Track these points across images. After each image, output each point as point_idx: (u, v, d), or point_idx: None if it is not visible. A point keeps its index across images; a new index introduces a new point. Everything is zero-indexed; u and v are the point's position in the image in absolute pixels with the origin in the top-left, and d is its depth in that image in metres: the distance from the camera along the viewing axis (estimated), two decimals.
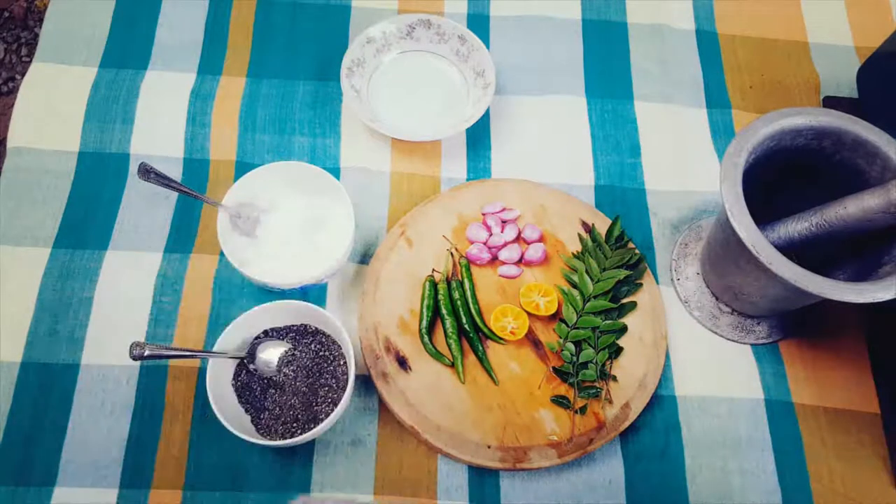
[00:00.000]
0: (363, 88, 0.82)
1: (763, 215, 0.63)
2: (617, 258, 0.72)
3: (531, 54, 0.87)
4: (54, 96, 0.80)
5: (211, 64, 0.84)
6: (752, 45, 0.90)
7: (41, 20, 0.87)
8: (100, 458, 0.65)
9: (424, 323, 0.69)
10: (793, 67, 0.89)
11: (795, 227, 0.64)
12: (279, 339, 0.67)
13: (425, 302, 0.70)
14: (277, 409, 0.65)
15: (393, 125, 0.80)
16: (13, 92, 1.57)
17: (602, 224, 0.75)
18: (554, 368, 0.68)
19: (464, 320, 0.69)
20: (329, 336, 0.68)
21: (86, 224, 0.74)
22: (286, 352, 0.67)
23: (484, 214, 0.75)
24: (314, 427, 0.61)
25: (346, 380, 0.64)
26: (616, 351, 0.69)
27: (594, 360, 0.68)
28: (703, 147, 0.83)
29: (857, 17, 0.93)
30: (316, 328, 0.68)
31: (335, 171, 0.77)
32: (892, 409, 0.70)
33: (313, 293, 0.72)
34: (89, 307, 0.70)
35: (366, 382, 0.69)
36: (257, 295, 0.72)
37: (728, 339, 0.73)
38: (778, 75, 0.88)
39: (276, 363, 0.66)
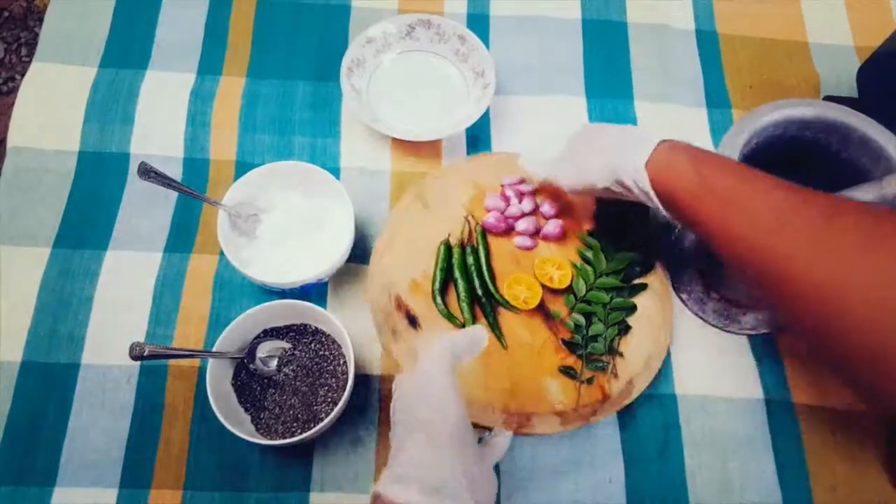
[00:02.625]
0: (363, 88, 0.82)
1: None
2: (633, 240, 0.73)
3: (531, 54, 0.87)
4: (54, 96, 0.80)
5: (211, 64, 0.84)
6: (752, 44, 0.90)
7: (41, 20, 0.87)
8: (100, 458, 0.65)
9: (437, 284, 0.70)
10: (793, 67, 0.89)
11: None
12: (279, 338, 0.67)
13: (439, 265, 0.70)
14: (277, 408, 0.65)
15: (393, 125, 0.80)
16: (13, 92, 1.57)
17: None
18: (563, 340, 0.69)
19: (476, 285, 0.70)
20: (329, 335, 0.68)
21: (86, 224, 0.74)
22: (286, 351, 0.67)
23: (502, 185, 0.76)
24: (314, 426, 0.61)
25: (346, 379, 0.64)
26: (625, 328, 0.70)
27: (603, 335, 0.69)
28: (703, 147, 0.83)
29: (857, 16, 0.93)
30: (316, 328, 0.68)
31: (335, 171, 0.77)
32: None
33: (313, 292, 0.72)
34: (89, 307, 0.70)
35: (366, 381, 0.69)
36: (257, 294, 0.72)
37: (712, 325, 0.73)
38: (778, 75, 0.88)
39: (275, 363, 0.66)
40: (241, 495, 0.64)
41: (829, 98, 0.86)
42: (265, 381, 0.66)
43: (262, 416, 0.65)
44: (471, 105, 0.81)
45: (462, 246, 0.72)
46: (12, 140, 0.78)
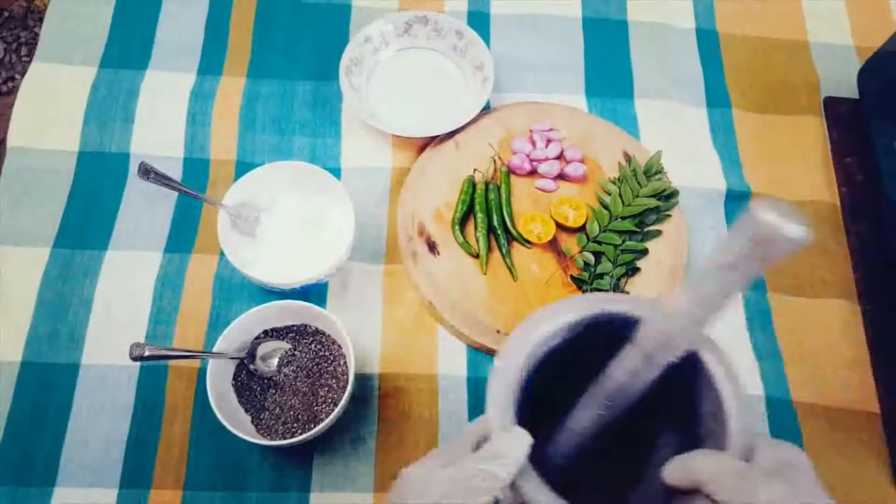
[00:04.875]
0: (362, 87, 0.82)
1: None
2: (651, 188, 0.75)
3: (531, 53, 0.87)
4: (54, 96, 0.80)
5: (211, 64, 0.84)
6: (753, 44, 0.90)
7: (41, 20, 0.87)
8: (100, 458, 0.65)
9: (458, 215, 0.74)
10: (793, 67, 0.89)
11: (584, 416, 0.50)
12: (279, 339, 0.67)
13: (461, 197, 0.74)
14: (277, 409, 0.65)
15: (393, 122, 0.80)
16: (13, 92, 1.57)
17: (644, 158, 0.78)
18: (572, 276, 0.72)
19: (494, 219, 0.74)
20: (329, 336, 0.68)
21: (86, 224, 0.74)
22: (286, 352, 0.67)
23: (531, 130, 0.79)
24: (314, 427, 0.61)
25: (347, 380, 0.64)
26: (633, 270, 0.72)
27: (610, 274, 0.71)
28: (703, 145, 0.83)
29: (858, 16, 0.93)
30: (316, 328, 0.68)
31: (336, 171, 0.77)
32: (892, 408, 0.70)
33: (314, 293, 0.72)
34: (89, 307, 0.70)
35: (366, 382, 0.69)
36: (257, 295, 0.72)
37: None
38: (778, 75, 0.88)
39: (276, 363, 0.66)
40: (240, 495, 0.64)
41: (829, 99, 0.86)
42: (265, 381, 0.66)
43: (262, 417, 0.65)
44: (470, 99, 0.81)
45: (486, 183, 0.76)
46: (12, 140, 0.78)
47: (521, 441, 0.42)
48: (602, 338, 0.48)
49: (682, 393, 0.49)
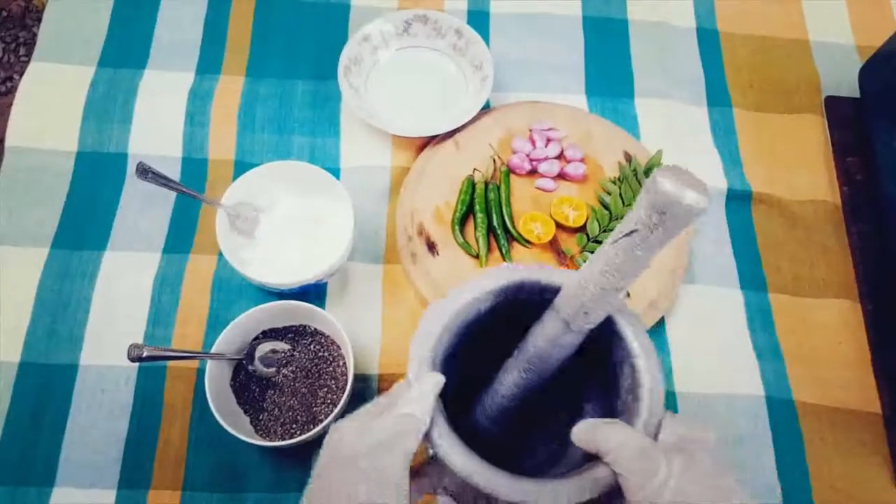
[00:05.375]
0: (361, 86, 0.82)
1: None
2: None
3: (531, 52, 0.87)
4: (52, 96, 0.80)
5: (209, 63, 0.83)
6: (753, 43, 0.90)
7: (39, 19, 0.86)
8: (98, 458, 0.64)
9: (458, 215, 0.74)
10: (794, 66, 0.89)
11: (509, 379, 0.51)
12: (278, 339, 0.67)
13: (461, 197, 0.74)
14: (276, 409, 0.65)
15: (392, 121, 0.79)
16: (11, 92, 1.57)
17: (644, 157, 0.78)
18: None
19: (494, 219, 0.74)
20: (328, 336, 0.67)
21: (84, 224, 0.74)
22: (285, 352, 0.66)
23: (531, 130, 0.79)
24: (313, 428, 0.61)
25: (346, 380, 0.64)
26: None
27: None
28: (704, 145, 0.83)
29: (858, 16, 0.92)
30: (315, 328, 0.68)
31: (335, 170, 0.77)
32: (894, 408, 0.70)
33: (313, 293, 0.72)
34: (88, 307, 0.70)
35: (365, 382, 0.69)
36: (256, 295, 0.72)
37: None
38: (779, 74, 0.88)
39: (274, 364, 0.66)
40: (239, 496, 0.64)
41: (830, 98, 0.86)
42: (264, 382, 0.66)
43: (260, 418, 0.64)
44: (469, 99, 0.81)
45: (486, 183, 0.76)
46: (10, 140, 0.77)
47: (432, 380, 0.44)
48: (529, 307, 0.50)
49: (606, 365, 0.50)
